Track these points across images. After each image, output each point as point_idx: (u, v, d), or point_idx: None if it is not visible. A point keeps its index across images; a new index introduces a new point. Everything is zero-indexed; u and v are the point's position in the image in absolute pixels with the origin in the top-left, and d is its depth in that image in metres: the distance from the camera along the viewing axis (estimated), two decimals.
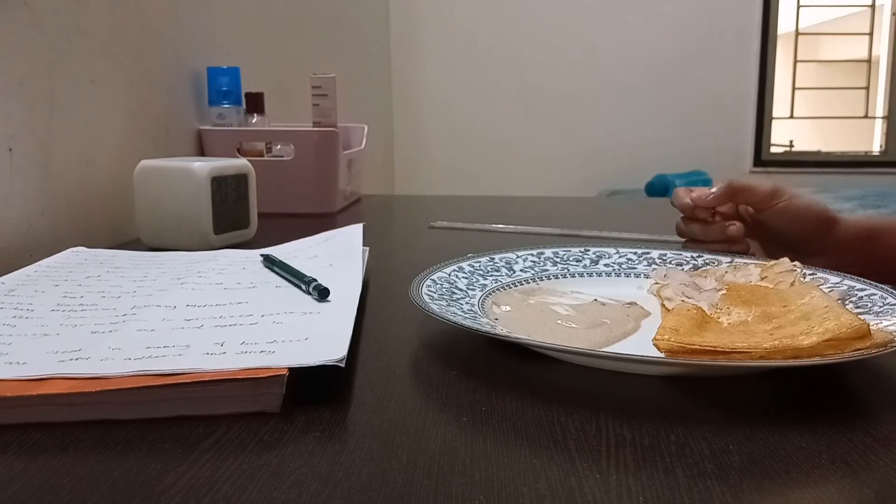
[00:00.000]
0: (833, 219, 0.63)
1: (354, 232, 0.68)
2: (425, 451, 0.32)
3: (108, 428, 0.34)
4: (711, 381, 0.40)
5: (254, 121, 1.11)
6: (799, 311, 0.44)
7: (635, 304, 0.54)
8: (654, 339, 0.40)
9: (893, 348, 0.38)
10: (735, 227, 0.64)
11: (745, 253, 0.64)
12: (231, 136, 1.06)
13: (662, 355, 0.39)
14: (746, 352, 0.38)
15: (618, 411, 0.36)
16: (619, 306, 0.53)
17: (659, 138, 2.84)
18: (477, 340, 0.46)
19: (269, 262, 0.61)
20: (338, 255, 0.63)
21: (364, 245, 0.66)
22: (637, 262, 0.62)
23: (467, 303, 0.51)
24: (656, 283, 0.57)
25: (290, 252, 0.65)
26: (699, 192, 0.65)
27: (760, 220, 0.65)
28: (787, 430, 0.34)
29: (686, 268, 0.60)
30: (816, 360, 0.38)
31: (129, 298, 0.52)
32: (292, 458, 0.31)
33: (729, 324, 0.46)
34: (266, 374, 0.36)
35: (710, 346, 0.39)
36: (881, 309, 0.46)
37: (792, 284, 0.53)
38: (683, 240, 0.69)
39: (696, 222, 0.66)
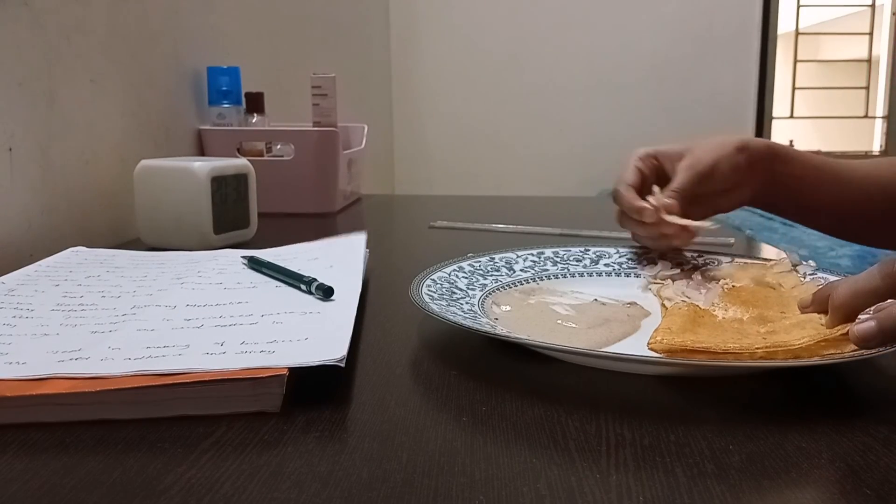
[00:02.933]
0: (742, 143, 0.65)
1: (356, 239, 0.68)
2: (425, 451, 0.32)
3: (108, 428, 0.34)
4: (711, 381, 0.40)
5: (254, 121, 1.10)
6: (795, 319, 0.44)
7: (635, 304, 0.54)
8: (648, 343, 0.40)
9: (893, 348, 0.38)
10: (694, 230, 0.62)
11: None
12: (231, 136, 1.06)
13: (661, 355, 0.39)
14: (737, 353, 0.38)
15: (618, 411, 0.36)
16: (619, 306, 0.53)
17: (659, 138, 2.83)
18: (477, 340, 0.46)
19: (256, 263, 0.60)
20: (338, 258, 0.63)
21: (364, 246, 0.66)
22: (637, 261, 0.62)
23: (467, 303, 0.51)
24: (656, 283, 0.57)
25: (291, 254, 0.65)
26: (658, 202, 0.61)
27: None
28: (787, 430, 0.34)
29: (686, 268, 0.60)
30: (816, 361, 0.38)
31: (129, 298, 0.52)
32: (292, 458, 0.31)
33: (723, 318, 0.46)
34: (266, 374, 0.36)
35: (703, 347, 0.39)
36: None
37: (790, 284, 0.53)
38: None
39: (642, 226, 0.62)
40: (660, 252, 0.63)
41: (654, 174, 0.66)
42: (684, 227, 0.60)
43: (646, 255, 0.63)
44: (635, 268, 0.61)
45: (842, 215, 0.71)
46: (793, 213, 0.72)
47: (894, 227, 0.70)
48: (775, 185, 0.67)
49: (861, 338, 0.37)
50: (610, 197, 0.65)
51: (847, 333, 0.39)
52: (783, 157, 0.66)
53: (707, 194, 0.64)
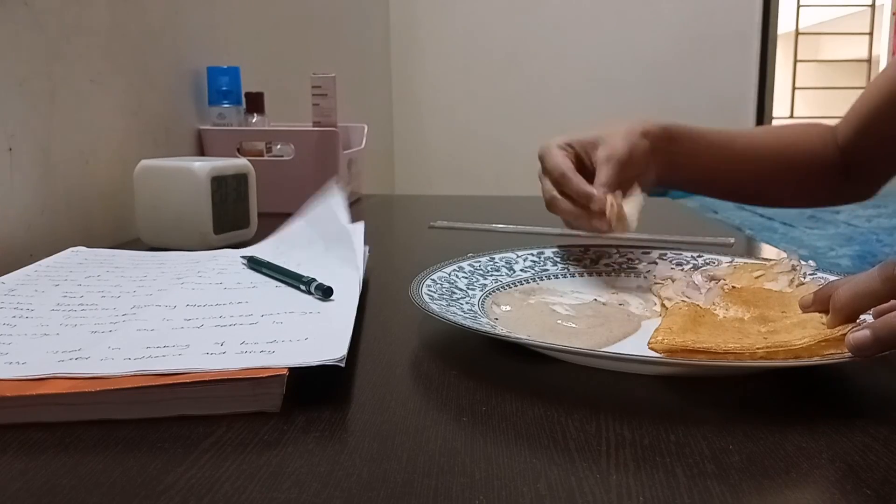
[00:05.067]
0: (644, 128, 0.69)
1: (335, 202, 0.69)
2: (425, 451, 0.32)
3: (108, 428, 0.34)
4: (711, 381, 0.40)
5: (254, 120, 1.10)
6: (796, 318, 0.44)
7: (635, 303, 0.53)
8: (649, 343, 0.40)
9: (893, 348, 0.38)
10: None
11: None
12: (231, 136, 1.06)
13: (661, 355, 0.39)
14: (738, 353, 0.38)
15: (618, 411, 0.36)
16: (619, 306, 0.53)
17: None
18: (477, 340, 0.46)
19: (256, 263, 0.60)
20: (330, 236, 0.63)
21: (364, 245, 0.66)
22: (637, 261, 0.62)
23: (467, 303, 0.51)
24: (657, 283, 0.57)
25: (288, 245, 0.65)
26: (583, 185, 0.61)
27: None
28: (787, 430, 0.34)
29: (686, 267, 0.60)
30: (816, 360, 0.38)
31: (129, 298, 0.52)
32: (292, 458, 0.31)
33: (724, 317, 0.46)
34: (266, 374, 0.36)
35: (704, 347, 0.39)
36: None
37: (791, 283, 0.53)
38: (673, 239, 0.70)
39: (583, 212, 0.62)
40: (660, 252, 0.63)
41: (573, 163, 0.65)
42: (621, 216, 0.60)
43: (645, 255, 0.63)
44: (635, 267, 0.61)
45: (734, 182, 0.78)
46: (690, 187, 0.78)
47: (780, 185, 0.80)
48: (672, 164, 0.71)
49: (856, 346, 0.37)
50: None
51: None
52: (677, 137, 0.71)
53: (622, 182, 0.65)
